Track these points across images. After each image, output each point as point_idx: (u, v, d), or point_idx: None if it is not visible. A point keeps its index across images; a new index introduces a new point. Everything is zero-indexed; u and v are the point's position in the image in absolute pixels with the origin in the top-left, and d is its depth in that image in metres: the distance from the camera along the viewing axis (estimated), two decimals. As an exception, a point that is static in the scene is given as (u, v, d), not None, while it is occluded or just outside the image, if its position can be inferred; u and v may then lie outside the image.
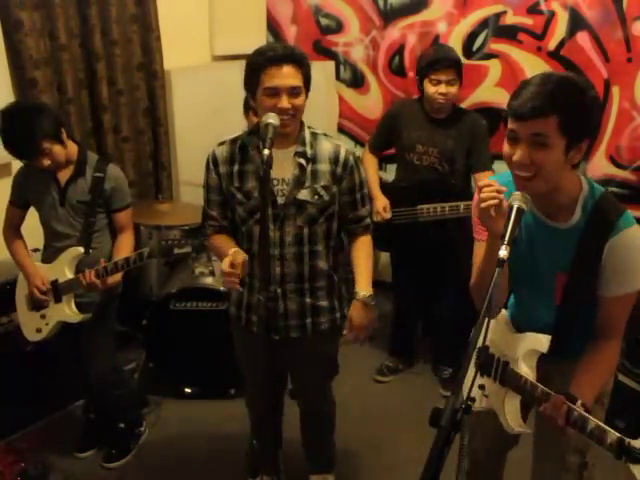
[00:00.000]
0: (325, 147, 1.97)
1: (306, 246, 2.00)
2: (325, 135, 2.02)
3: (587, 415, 1.46)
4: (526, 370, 1.65)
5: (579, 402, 1.49)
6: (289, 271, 2.01)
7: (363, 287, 2.05)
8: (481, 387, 1.73)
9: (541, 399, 1.56)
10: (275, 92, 1.80)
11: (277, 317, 2.05)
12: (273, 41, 4.21)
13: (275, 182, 1.94)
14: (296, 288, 2.04)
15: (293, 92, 1.82)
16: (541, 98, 1.40)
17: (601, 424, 1.43)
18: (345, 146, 2.01)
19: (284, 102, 1.80)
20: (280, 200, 1.95)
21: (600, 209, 1.53)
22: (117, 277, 2.40)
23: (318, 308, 2.09)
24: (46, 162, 2.27)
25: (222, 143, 2.02)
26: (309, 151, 1.94)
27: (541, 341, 1.63)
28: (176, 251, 2.22)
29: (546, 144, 1.42)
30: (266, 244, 1.89)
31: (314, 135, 1.98)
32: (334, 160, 1.96)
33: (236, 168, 1.97)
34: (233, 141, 2.01)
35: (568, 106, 1.41)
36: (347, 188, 2.02)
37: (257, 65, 1.81)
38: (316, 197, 1.95)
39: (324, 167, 1.96)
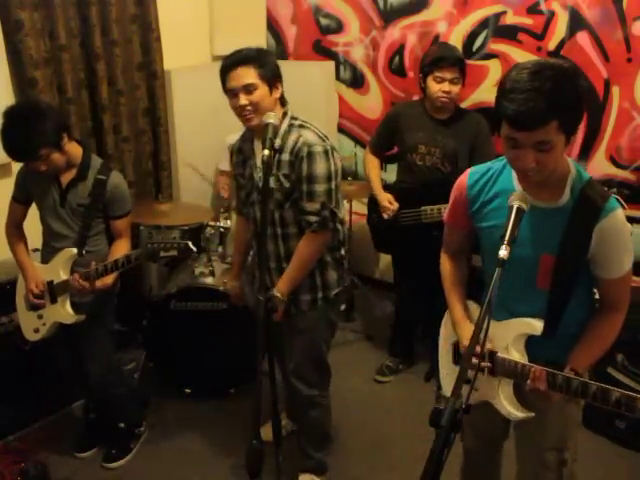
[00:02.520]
0: (292, 138, 2.09)
1: (279, 228, 2.18)
2: (302, 126, 2.12)
3: (588, 380, 1.52)
4: (517, 355, 1.66)
5: (567, 368, 1.56)
6: (269, 250, 2.21)
7: (279, 288, 2.17)
8: (468, 382, 1.74)
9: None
10: (234, 93, 2.05)
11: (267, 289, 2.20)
12: (273, 42, 4.22)
13: (258, 170, 2.17)
14: (276, 267, 2.24)
15: (248, 89, 2.02)
16: (539, 107, 1.36)
17: (630, 393, 1.49)
18: (309, 138, 2.07)
19: (241, 100, 2.03)
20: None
21: (588, 192, 1.55)
22: (107, 280, 2.38)
23: (297, 286, 2.21)
24: (43, 167, 2.26)
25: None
26: (278, 142, 2.06)
27: (530, 324, 1.64)
28: (162, 254, 2.23)
29: (550, 147, 1.42)
30: (265, 243, 2.07)
31: (291, 126, 2.12)
32: (292, 149, 2.08)
33: (241, 157, 2.27)
34: (242, 134, 2.30)
35: (565, 107, 1.39)
36: (296, 177, 2.09)
37: (221, 73, 2.08)
38: (278, 184, 2.11)
39: (286, 157, 2.09)
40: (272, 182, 2.09)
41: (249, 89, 2.02)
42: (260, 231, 1.97)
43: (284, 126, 2.12)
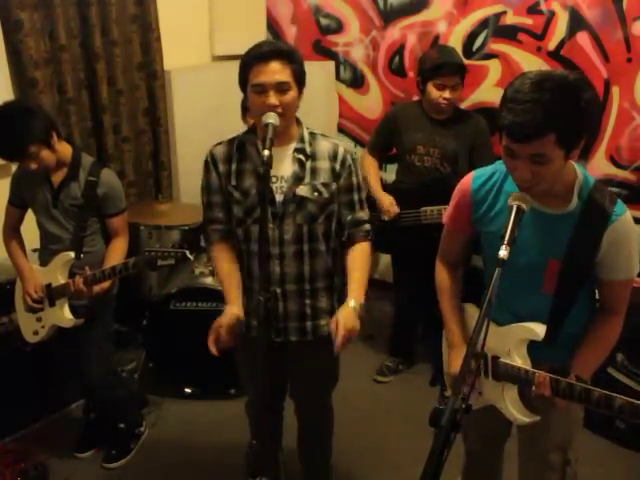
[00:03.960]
0: (324, 145, 1.95)
1: (306, 244, 1.96)
2: (323, 135, 2.00)
3: (591, 387, 1.50)
4: (520, 360, 1.66)
5: (571, 375, 1.55)
6: (289, 270, 1.96)
7: (355, 296, 1.90)
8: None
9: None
10: (262, 89, 1.77)
11: (277, 318, 2.01)
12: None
13: (273, 179, 1.90)
14: (296, 289, 1.99)
15: (281, 88, 1.77)
16: (536, 119, 1.34)
17: (634, 401, 1.44)
18: (344, 145, 1.98)
19: (271, 99, 1.76)
20: (278, 197, 1.91)
21: (596, 197, 1.55)
22: (104, 285, 2.38)
23: (318, 310, 2.04)
24: (33, 165, 2.25)
25: (219, 144, 2.00)
26: (308, 148, 1.93)
27: (532, 330, 1.63)
28: (159, 263, 2.22)
29: (546, 161, 1.41)
30: (265, 244, 1.86)
31: (312, 135, 1.97)
32: (333, 157, 1.94)
33: (234, 167, 1.95)
34: (230, 141, 1.99)
35: (564, 121, 1.36)
36: (345, 187, 1.97)
37: (245, 63, 1.80)
38: (316, 194, 1.92)
39: (323, 164, 1.93)
40: (307, 192, 1.91)
41: (283, 88, 1.77)
42: (260, 230, 1.77)
43: (306, 133, 1.95)
